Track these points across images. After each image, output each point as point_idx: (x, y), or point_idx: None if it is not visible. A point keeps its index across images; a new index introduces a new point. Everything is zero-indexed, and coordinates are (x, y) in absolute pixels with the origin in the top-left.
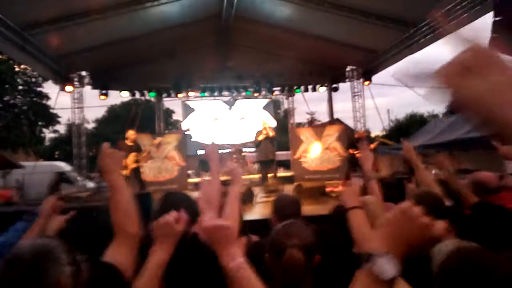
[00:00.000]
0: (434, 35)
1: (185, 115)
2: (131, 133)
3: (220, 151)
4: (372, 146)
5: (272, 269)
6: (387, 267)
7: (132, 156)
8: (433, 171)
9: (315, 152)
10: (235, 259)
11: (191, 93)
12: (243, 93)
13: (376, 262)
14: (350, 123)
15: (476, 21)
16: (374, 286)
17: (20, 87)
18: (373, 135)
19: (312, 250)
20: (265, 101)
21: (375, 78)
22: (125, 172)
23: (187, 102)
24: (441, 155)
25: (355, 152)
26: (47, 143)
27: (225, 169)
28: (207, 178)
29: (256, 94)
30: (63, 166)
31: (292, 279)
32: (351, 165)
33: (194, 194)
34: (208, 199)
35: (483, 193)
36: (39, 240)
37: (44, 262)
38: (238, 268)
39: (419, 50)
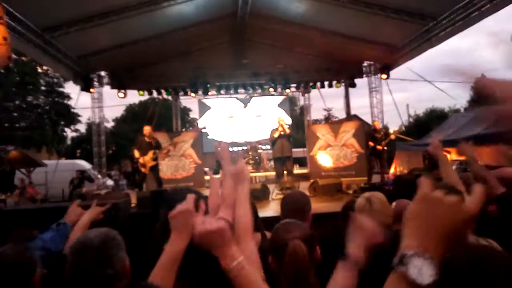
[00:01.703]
0: (454, 28)
1: (201, 113)
2: (147, 129)
3: (235, 149)
4: (392, 136)
5: (276, 270)
6: (424, 270)
7: (150, 154)
8: (454, 167)
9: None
10: (235, 259)
11: (207, 91)
12: (259, 91)
13: (412, 264)
14: (368, 119)
15: (500, 11)
16: None
17: (43, 88)
18: (391, 131)
19: (312, 241)
20: (281, 98)
21: (394, 73)
22: (143, 169)
23: (203, 100)
24: (464, 143)
25: (374, 145)
26: (68, 142)
27: (232, 170)
28: (216, 175)
29: (271, 90)
30: (84, 164)
31: (298, 270)
32: (373, 157)
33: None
34: (222, 197)
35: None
36: (101, 230)
37: (112, 248)
38: (240, 267)
39: (439, 43)
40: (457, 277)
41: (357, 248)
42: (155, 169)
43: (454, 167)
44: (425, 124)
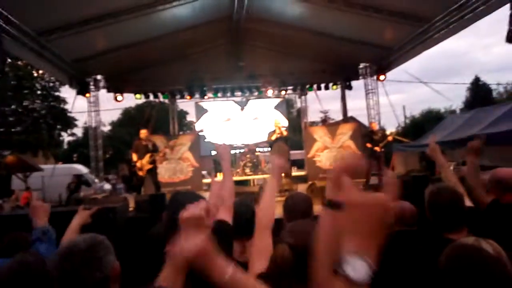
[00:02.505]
0: (448, 30)
1: (198, 116)
2: (143, 132)
3: (233, 151)
4: (390, 138)
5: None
6: (358, 268)
7: (147, 157)
8: (451, 167)
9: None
10: (227, 269)
11: (204, 94)
12: (256, 93)
13: (348, 264)
14: (364, 120)
15: (493, 13)
16: None
17: (39, 92)
18: (387, 132)
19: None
20: (277, 100)
21: (390, 74)
22: (141, 173)
23: (200, 103)
24: (475, 143)
25: (372, 146)
26: (65, 146)
27: (270, 166)
28: (218, 178)
29: (269, 92)
30: (81, 168)
31: (277, 273)
32: (370, 159)
33: (208, 194)
34: (221, 199)
35: (505, 190)
36: (88, 234)
37: (99, 251)
38: (234, 277)
39: (434, 45)
40: (451, 275)
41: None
42: (152, 172)
43: (451, 167)
44: (421, 125)
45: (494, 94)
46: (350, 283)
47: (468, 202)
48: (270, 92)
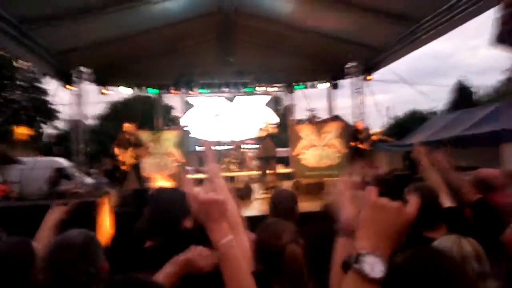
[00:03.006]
0: (437, 31)
1: (186, 112)
2: (126, 125)
3: (219, 147)
4: (375, 137)
5: (263, 270)
6: (376, 266)
7: (130, 151)
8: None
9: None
10: (226, 236)
11: (191, 89)
12: (244, 89)
13: (365, 262)
14: (350, 119)
15: (480, 16)
16: (364, 287)
17: (20, 83)
18: (371, 132)
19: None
20: (267, 97)
21: (376, 74)
22: (124, 167)
23: (187, 99)
24: (438, 153)
25: (357, 144)
26: (46, 138)
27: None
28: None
29: (257, 89)
30: (62, 161)
31: (297, 274)
32: (355, 158)
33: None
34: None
35: (486, 190)
36: (79, 230)
37: (93, 247)
38: (229, 246)
39: (422, 46)
40: (402, 279)
41: (347, 215)
42: (136, 167)
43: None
44: (405, 125)
45: (479, 95)
46: (365, 279)
47: (449, 202)
48: (258, 88)
